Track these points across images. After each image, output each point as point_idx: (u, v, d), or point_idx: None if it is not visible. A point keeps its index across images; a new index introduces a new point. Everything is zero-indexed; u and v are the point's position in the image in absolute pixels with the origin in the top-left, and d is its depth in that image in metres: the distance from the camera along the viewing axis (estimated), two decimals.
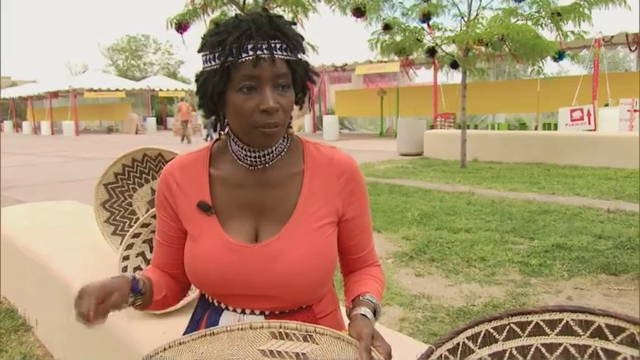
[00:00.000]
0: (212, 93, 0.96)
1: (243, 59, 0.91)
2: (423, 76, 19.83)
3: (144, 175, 2.17)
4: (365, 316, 0.96)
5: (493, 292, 3.41)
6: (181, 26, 8.46)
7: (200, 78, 0.99)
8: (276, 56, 0.93)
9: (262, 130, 0.95)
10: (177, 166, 1.09)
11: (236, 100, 0.95)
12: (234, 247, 1.01)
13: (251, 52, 0.91)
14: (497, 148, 10.65)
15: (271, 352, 0.91)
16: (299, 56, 0.98)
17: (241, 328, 0.93)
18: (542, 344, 0.93)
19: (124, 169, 2.14)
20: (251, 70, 0.92)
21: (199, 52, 0.99)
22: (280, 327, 0.92)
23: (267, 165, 1.04)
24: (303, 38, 0.99)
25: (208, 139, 20.74)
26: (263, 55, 0.91)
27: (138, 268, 1.81)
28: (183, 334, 1.11)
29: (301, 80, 0.99)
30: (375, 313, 1.01)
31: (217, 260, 1.01)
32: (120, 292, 0.95)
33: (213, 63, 0.95)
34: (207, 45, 0.96)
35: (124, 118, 29.59)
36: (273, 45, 0.92)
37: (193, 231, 1.06)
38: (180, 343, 0.92)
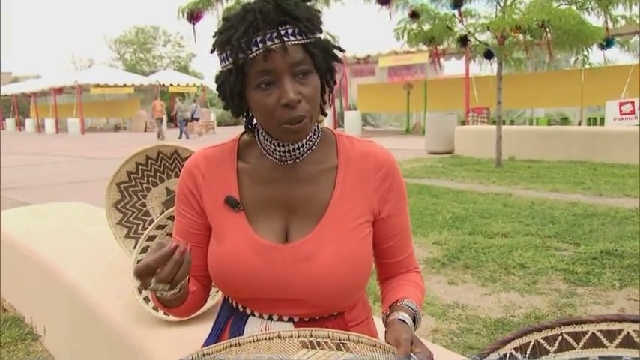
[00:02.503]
0: (231, 94, 0.98)
1: (254, 53, 0.92)
2: (454, 67, 19.68)
3: (158, 174, 2.20)
4: (403, 321, 0.96)
5: (535, 302, 3.37)
6: (194, 16, 8.55)
7: (219, 80, 1.00)
8: (288, 44, 0.92)
9: (287, 126, 0.95)
10: (203, 158, 1.10)
11: (256, 98, 0.95)
12: (263, 248, 1.02)
13: (260, 45, 0.91)
14: (537, 145, 10.50)
15: None
16: (317, 36, 0.97)
17: (269, 338, 0.93)
18: (599, 357, 0.91)
19: (138, 167, 2.17)
20: (263, 64, 0.92)
21: (212, 52, 1.00)
22: (311, 335, 0.91)
23: (297, 160, 1.04)
24: (318, 16, 0.98)
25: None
26: (273, 46, 0.91)
27: None
28: (205, 342, 1.13)
29: (324, 62, 0.98)
30: (414, 320, 1.00)
31: (244, 261, 1.02)
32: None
33: (227, 62, 0.96)
34: (218, 44, 0.97)
35: (132, 115, 30.04)
36: (283, 32, 0.92)
37: (218, 229, 1.06)
38: (203, 355, 0.92)
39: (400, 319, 0.96)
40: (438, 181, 8.30)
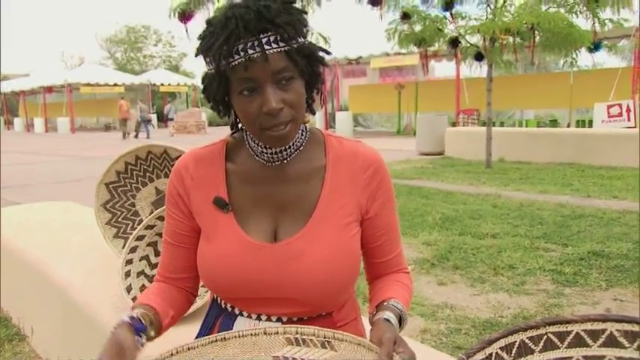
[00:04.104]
0: (215, 98, 0.99)
1: (235, 62, 0.91)
2: (445, 69, 19.78)
3: (148, 174, 2.19)
4: (388, 320, 0.96)
5: (523, 302, 3.39)
6: (185, 15, 8.54)
7: (205, 81, 1.00)
8: (269, 52, 0.91)
9: (270, 133, 0.96)
10: (192, 159, 1.10)
11: (239, 104, 0.96)
12: (252, 247, 1.02)
13: (242, 54, 0.91)
14: (526, 146, 10.58)
15: (286, 359, 0.92)
16: (300, 41, 0.95)
17: (254, 334, 0.94)
18: (583, 356, 0.92)
19: (127, 167, 2.16)
20: (245, 72, 0.92)
21: (196, 56, 0.99)
22: (297, 332, 0.92)
23: (285, 161, 1.05)
24: (302, 20, 0.96)
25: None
26: (254, 55, 0.90)
27: (141, 273, 1.83)
28: None
29: (307, 67, 0.97)
30: (400, 320, 1.00)
31: (234, 260, 1.02)
32: (131, 348, 0.97)
33: (210, 67, 0.96)
34: (200, 50, 0.97)
35: None
36: (264, 40, 0.91)
37: (208, 229, 1.07)
38: (188, 349, 0.94)
39: (385, 319, 0.96)
40: (428, 181, 8.33)
